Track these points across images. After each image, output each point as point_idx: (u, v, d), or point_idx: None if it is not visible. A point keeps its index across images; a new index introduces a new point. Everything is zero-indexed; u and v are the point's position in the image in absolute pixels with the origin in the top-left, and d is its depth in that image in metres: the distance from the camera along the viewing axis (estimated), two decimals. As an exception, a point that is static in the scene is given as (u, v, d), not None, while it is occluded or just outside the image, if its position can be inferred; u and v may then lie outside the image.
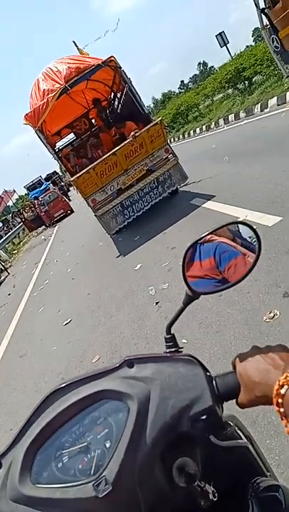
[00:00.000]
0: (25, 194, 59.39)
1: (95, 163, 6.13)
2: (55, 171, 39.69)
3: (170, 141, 21.52)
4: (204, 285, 0.76)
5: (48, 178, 30.93)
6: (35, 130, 6.41)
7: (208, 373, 0.65)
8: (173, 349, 0.75)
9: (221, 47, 17.35)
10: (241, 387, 0.60)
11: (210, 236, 0.75)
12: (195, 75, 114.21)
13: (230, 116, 13.63)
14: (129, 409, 0.61)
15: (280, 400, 0.50)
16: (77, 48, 8.22)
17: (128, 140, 6.10)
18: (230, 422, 0.77)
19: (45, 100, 5.97)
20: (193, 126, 19.23)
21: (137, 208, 6.59)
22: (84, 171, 6.07)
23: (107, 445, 0.60)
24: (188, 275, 0.74)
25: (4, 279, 12.39)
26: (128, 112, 7.48)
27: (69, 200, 21.93)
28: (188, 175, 6.77)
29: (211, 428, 0.63)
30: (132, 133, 6.17)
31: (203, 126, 16.58)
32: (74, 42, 8.69)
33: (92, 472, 0.58)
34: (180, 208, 6.28)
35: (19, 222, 26.39)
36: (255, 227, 0.71)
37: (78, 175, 6.07)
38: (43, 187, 22.41)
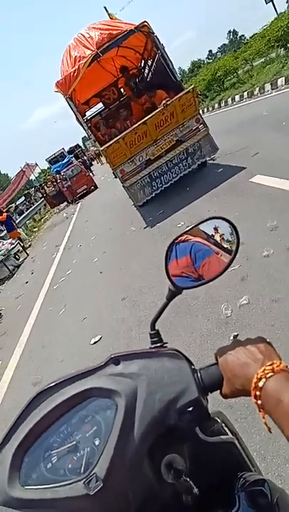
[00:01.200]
0: (48, 168, 58.25)
1: (124, 132, 5.99)
2: (77, 145, 38.18)
3: (204, 111, 19.70)
4: (183, 282, 0.78)
5: (70, 151, 29.36)
6: (66, 98, 6.33)
7: (192, 366, 0.66)
8: (158, 344, 0.78)
9: (267, 3, 15.21)
10: (224, 379, 0.61)
11: (185, 236, 0.79)
12: (224, 44, 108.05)
13: (279, 80, 11.80)
14: (117, 406, 0.60)
15: (257, 393, 0.52)
16: (108, 14, 7.85)
17: (159, 109, 5.90)
18: (216, 418, 0.79)
19: (76, 67, 5.85)
20: (231, 93, 17.28)
21: (165, 179, 6.44)
22: (114, 140, 5.95)
23: (96, 442, 0.59)
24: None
25: (23, 262, 11.36)
26: (159, 80, 7.24)
27: (92, 174, 20.71)
28: (239, 147, 5.90)
29: (197, 419, 0.62)
30: (164, 101, 5.95)
31: (245, 93, 14.69)
32: (105, 7, 8.18)
33: (82, 470, 0.57)
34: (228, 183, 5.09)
35: (41, 197, 25.36)
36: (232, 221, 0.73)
37: (108, 144, 5.95)
38: (65, 160, 20.98)
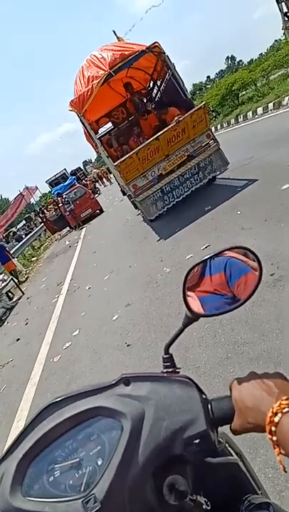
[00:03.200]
0: (49, 192, 57.07)
1: (138, 147, 6.20)
2: (79, 167, 36.86)
3: (217, 127, 18.21)
4: (213, 301, 0.75)
5: (72, 173, 27.83)
6: (80, 116, 6.63)
7: (203, 396, 0.64)
8: (170, 369, 0.76)
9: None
10: (235, 413, 0.59)
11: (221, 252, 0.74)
12: (221, 70, 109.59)
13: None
14: (123, 428, 0.60)
15: (273, 428, 0.50)
16: (117, 37, 7.97)
17: (171, 125, 6.11)
18: (220, 439, 0.72)
19: (89, 87, 6.10)
20: (250, 107, 15.74)
21: (177, 193, 6.60)
22: (127, 155, 6.17)
23: (99, 462, 0.59)
24: (198, 290, 0.75)
25: (16, 303, 9.31)
26: (170, 98, 7.38)
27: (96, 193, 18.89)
28: None
29: (204, 452, 0.61)
30: (176, 118, 6.18)
31: (269, 105, 13.09)
32: (114, 31, 8.27)
33: (82, 489, 0.57)
34: None
35: (40, 222, 23.56)
36: (252, 249, 0.70)
37: (122, 160, 6.13)
38: (67, 182, 19.13)
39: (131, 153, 6.23)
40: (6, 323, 7.92)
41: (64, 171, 25.64)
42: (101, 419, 0.63)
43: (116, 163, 6.22)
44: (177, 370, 0.76)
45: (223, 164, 6.71)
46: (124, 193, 10.46)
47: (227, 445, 0.78)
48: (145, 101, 8.80)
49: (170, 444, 0.59)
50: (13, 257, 13.31)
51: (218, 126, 18.13)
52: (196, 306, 0.74)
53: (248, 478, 0.74)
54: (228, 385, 0.63)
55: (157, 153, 6.26)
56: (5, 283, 9.11)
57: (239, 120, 15.94)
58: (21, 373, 4.57)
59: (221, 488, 0.69)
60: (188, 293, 0.73)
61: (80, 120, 6.83)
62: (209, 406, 0.62)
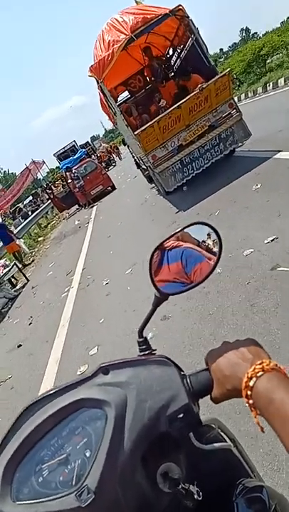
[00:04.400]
0: (57, 167, 54.93)
1: (159, 116, 5.99)
2: (87, 142, 35.06)
3: (243, 96, 16.49)
4: (173, 288, 0.78)
5: (81, 147, 25.98)
6: (100, 82, 6.53)
7: (182, 372, 0.65)
8: (146, 352, 0.77)
9: None
10: (214, 382, 0.61)
11: (177, 242, 0.79)
12: (235, 43, 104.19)
13: None
14: (107, 416, 0.60)
15: (248, 392, 0.52)
16: (135, 1, 7.31)
17: (194, 92, 5.91)
18: (213, 425, 0.78)
19: (110, 51, 5.98)
20: (281, 73, 14.03)
21: (196, 165, 6.41)
22: (148, 124, 5.97)
23: (87, 454, 0.59)
24: (157, 279, 0.77)
25: (19, 293, 8.17)
26: (191, 65, 7.12)
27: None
28: None
29: (189, 426, 0.62)
30: (199, 85, 5.98)
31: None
32: None
33: (73, 483, 0.57)
34: None
35: (48, 199, 22.27)
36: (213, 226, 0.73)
37: (142, 129, 5.95)
38: (77, 155, 17.50)
39: (152, 121, 5.96)
40: (6, 318, 6.81)
41: (73, 143, 23.62)
42: (84, 411, 0.62)
43: (136, 132, 5.93)
44: (153, 352, 0.77)
45: (245, 135, 6.46)
46: (138, 166, 10.48)
47: (219, 431, 0.78)
48: (164, 67, 8.37)
49: (155, 423, 0.59)
50: (18, 238, 12.14)
51: (242, 96, 16.42)
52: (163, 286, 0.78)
53: (242, 463, 0.74)
54: (204, 358, 0.65)
55: (178, 122, 6.01)
56: (7, 269, 7.98)
57: (268, 88, 14.26)
58: (20, 401, 3.46)
59: (215, 475, 0.69)
60: (159, 286, 0.76)
61: (100, 87, 6.68)
62: (188, 381, 0.63)
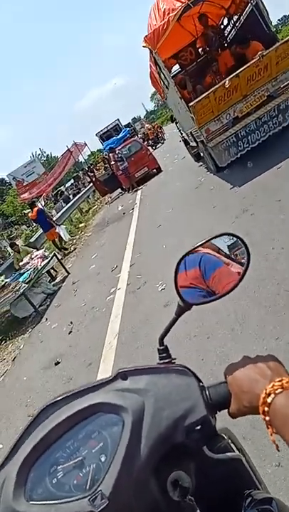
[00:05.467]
0: (97, 150, 53.97)
1: (215, 86, 5.72)
2: (129, 123, 33.83)
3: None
4: (191, 294, 0.77)
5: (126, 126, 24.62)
6: (154, 53, 6.45)
7: (200, 383, 0.65)
8: (166, 360, 0.76)
9: None
10: (232, 397, 0.60)
11: (196, 249, 0.77)
12: (284, 15, 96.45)
13: None
14: (124, 422, 0.59)
15: (266, 409, 0.51)
16: None
17: (254, 60, 5.57)
18: (223, 435, 0.77)
19: (165, 20, 5.85)
20: None
21: (252, 138, 6.05)
22: (204, 95, 5.74)
23: (102, 459, 0.58)
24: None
25: (59, 287, 7.33)
26: (249, 33, 6.79)
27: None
28: None
29: (205, 438, 0.61)
30: (259, 52, 5.65)
31: None
32: None
33: (87, 487, 0.56)
34: None
35: (89, 182, 21.51)
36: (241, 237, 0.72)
37: (198, 99, 5.73)
38: (121, 135, 16.33)
39: (208, 92, 5.66)
40: (44, 319, 6.03)
41: (117, 122, 22.27)
42: (101, 416, 0.62)
43: (191, 104, 5.71)
44: (173, 361, 0.76)
45: None
46: (186, 143, 10.08)
47: (230, 441, 0.78)
48: (219, 37, 8.05)
49: (172, 432, 0.58)
50: (58, 224, 11.40)
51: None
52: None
53: (250, 474, 0.73)
54: (224, 371, 0.63)
55: (235, 93, 5.69)
56: (46, 260, 7.19)
57: None
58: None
59: (224, 484, 0.68)
60: (180, 283, 0.75)
61: (153, 58, 6.55)
62: (207, 392, 0.62)
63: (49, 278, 8.11)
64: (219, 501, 0.65)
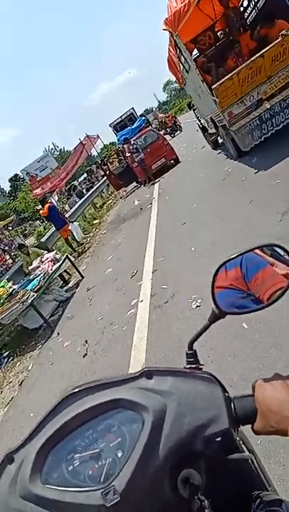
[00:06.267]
0: (110, 143, 53.02)
1: (239, 67, 5.58)
2: (142, 114, 32.81)
3: None
4: (229, 297, 0.73)
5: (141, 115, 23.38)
6: (175, 36, 6.34)
7: (226, 394, 0.63)
8: (193, 365, 0.75)
9: None
10: (258, 414, 0.58)
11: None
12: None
13: None
14: (144, 421, 0.59)
15: None
16: None
17: (278, 40, 5.36)
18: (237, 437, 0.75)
19: (186, 2, 5.69)
20: None
21: (277, 121, 5.81)
22: (228, 76, 5.55)
23: (119, 454, 0.58)
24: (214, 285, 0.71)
25: (72, 294, 6.58)
26: (273, 12, 6.54)
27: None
28: None
29: (224, 450, 0.60)
30: (283, 31, 5.41)
31: None
32: None
33: (101, 480, 0.57)
34: None
35: (103, 176, 20.72)
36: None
37: (221, 81, 5.56)
38: (136, 124, 15.27)
39: (232, 73, 5.51)
40: (55, 334, 5.29)
41: (132, 111, 21.01)
42: (122, 411, 0.61)
43: (215, 86, 5.55)
44: (200, 367, 0.74)
45: None
46: (204, 131, 9.90)
47: (241, 442, 0.74)
48: (240, 18, 7.92)
49: (191, 440, 0.58)
50: (71, 221, 10.68)
51: None
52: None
53: (260, 475, 0.73)
54: (252, 384, 0.62)
55: (259, 74, 5.55)
56: (58, 264, 6.46)
57: None
58: None
59: (233, 484, 0.69)
60: (216, 290, 0.70)
61: (173, 41, 6.55)
62: (232, 404, 0.61)
63: (61, 282, 7.40)
64: (228, 501, 0.65)
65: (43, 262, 6.54)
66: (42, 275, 5.97)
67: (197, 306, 3.29)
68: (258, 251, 0.72)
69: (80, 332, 4.65)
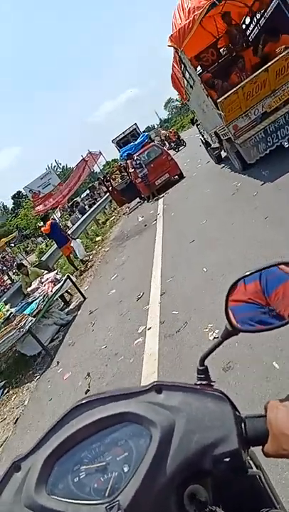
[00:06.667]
0: (112, 160, 53.31)
1: (244, 81, 5.64)
2: (144, 131, 32.98)
3: None
4: (246, 311, 0.70)
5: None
6: (180, 52, 6.41)
7: (237, 413, 0.61)
8: (204, 382, 0.72)
9: None
10: (270, 436, 0.56)
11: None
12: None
13: None
14: (152, 437, 0.58)
15: None
16: None
17: (283, 54, 5.43)
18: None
19: (190, 18, 5.82)
20: None
21: (282, 133, 5.90)
22: (233, 90, 5.60)
23: (125, 469, 0.57)
24: (231, 299, 0.70)
25: (74, 317, 6.14)
26: (276, 26, 6.71)
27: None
28: None
29: (233, 471, 0.58)
30: (284, 46, 5.73)
31: None
32: None
33: (106, 494, 0.56)
34: None
35: (105, 192, 20.52)
36: None
37: (226, 95, 5.59)
38: (138, 140, 15.06)
39: (237, 87, 5.60)
40: (55, 363, 4.86)
41: (134, 127, 20.99)
42: (129, 425, 0.60)
43: (220, 100, 5.62)
44: (211, 384, 0.72)
45: None
46: (207, 145, 9.96)
47: (248, 458, 0.72)
48: (243, 34, 8.15)
49: (199, 459, 0.57)
50: (74, 238, 10.36)
51: None
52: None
53: (268, 492, 0.72)
54: (264, 405, 0.60)
55: (263, 88, 5.63)
56: (59, 284, 6.08)
57: None
58: None
59: (240, 500, 0.67)
60: (230, 306, 0.69)
61: (178, 57, 6.56)
62: (243, 424, 0.59)
63: (62, 304, 6.99)
64: None
65: (42, 283, 6.15)
66: (41, 297, 5.58)
67: (215, 338, 2.88)
68: (279, 266, 0.67)
69: (82, 362, 4.22)
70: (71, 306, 6.85)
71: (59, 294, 6.27)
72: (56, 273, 6.56)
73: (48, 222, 9.33)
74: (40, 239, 29.63)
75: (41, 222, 14.88)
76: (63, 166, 73.62)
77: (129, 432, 0.60)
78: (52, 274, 6.40)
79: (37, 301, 5.49)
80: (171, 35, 6.13)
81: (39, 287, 6.08)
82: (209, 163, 10.97)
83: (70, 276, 6.61)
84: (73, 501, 0.55)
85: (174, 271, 4.92)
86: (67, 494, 0.56)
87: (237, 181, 6.85)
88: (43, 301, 5.51)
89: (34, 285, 6.18)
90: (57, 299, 6.21)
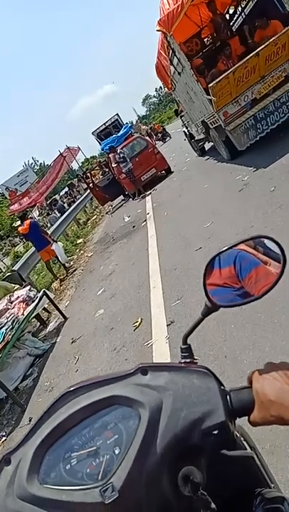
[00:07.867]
0: (91, 157, 51.55)
1: (235, 66, 5.61)
2: (127, 123, 31.67)
3: None
4: (223, 294, 0.72)
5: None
6: (169, 36, 6.27)
7: (222, 387, 0.63)
8: (188, 360, 0.74)
9: None
10: (256, 405, 0.58)
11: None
12: None
13: None
14: (140, 417, 0.58)
15: None
16: None
17: (272, 39, 5.43)
18: (236, 432, 0.72)
19: (179, 3, 5.73)
20: None
21: (271, 120, 5.93)
22: (224, 74, 5.56)
23: (116, 451, 0.58)
24: (208, 283, 0.72)
25: (52, 345, 4.84)
26: (264, 14, 6.74)
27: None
28: None
29: (222, 443, 0.61)
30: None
31: None
32: None
33: (99, 477, 0.56)
34: None
35: (85, 189, 19.20)
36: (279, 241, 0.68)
37: (217, 80, 5.53)
38: (122, 132, 13.75)
39: (227, 72, 5.52)
40: (25, 419, 3.65)
41: (116, 117, 19.48)
42: (118, 408, 0.61)
43: (211, 84, 5.49)
44: (195, 361, 0.73)
45: None
46: (191, 137, 9.96)
47: (242, 439, 0.77)
48: (228, 22, 8.35)
49: (188, 434, 0.58)
50: (55, 241, 9.10)
51: None
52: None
53: (262, 473, 0.72)
54: (247, 377, 0.62)
55: (253, 73, 5.62)
56: (33, 304, 4.88)
57: None
58: None
59: (234, 481, 0.68)
60: (209, 290, 0.71)
61: (167, 42, 6.48)
62: (228, 397, 0.61)
63: (38, 324, 5.78)
64: (230, 499, 0.64)
65: (12, 303, 4.93)
66: (10, 323, 4.37)
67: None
68: (251, 249, 0.70)
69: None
70: (49, 328, 5.62)
71: (33, 315, 5.06)
72: (29, 289, 5.32)
73: (27, 222, 8.05)
74: (17, 239, 27.93)
75: (18, 222, 13.54)
76: (41, 163, 71.39)
77: (118, 415, 0.60)
78: (24, 291, 5.17)
79: (4, 328, 4.28)
80: (160, 19, 6.00)
81: (8, 308, 4.86)
82: (198, 156, 10.02)
83: (47, 292, 5.38)
84: (66, 488, 0.55)
85: (181, 289, 3.82)
86: (60, 482, 0.56)
87: (240, 175, 5.84)
88: (11, 329, 4.30)
89: (1, 306, 4.94)
90: (27, 326, 4.97)
